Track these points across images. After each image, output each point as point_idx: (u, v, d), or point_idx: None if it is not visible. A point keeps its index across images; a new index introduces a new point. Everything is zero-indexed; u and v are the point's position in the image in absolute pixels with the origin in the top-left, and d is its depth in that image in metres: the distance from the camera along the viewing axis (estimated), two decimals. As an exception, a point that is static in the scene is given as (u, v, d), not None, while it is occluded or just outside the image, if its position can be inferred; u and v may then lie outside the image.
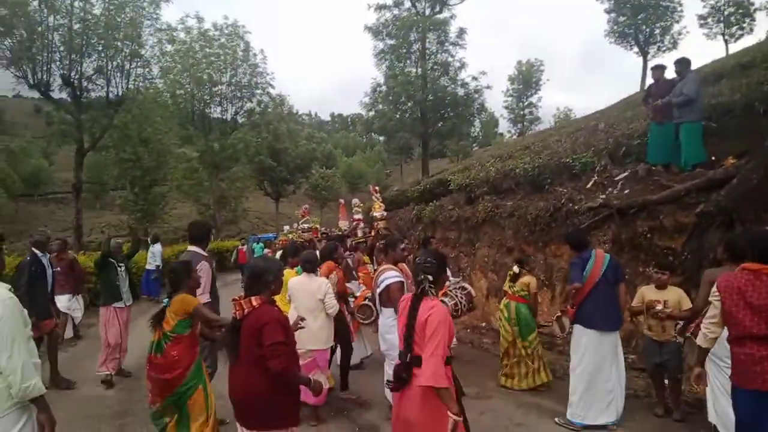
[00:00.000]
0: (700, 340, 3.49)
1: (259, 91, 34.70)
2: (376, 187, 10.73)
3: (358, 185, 47.29)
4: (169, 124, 28.87)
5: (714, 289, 3.24)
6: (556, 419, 5.01)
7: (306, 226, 12.39)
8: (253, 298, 2.99)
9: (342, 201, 12.68)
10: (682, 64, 8.01)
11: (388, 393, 5.13)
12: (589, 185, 8.77)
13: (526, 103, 55.16)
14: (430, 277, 2.92)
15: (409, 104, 27.77)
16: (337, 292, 5.61)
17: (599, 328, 4.85)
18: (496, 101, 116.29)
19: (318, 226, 12.05)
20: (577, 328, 5.02)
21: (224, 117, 34.25)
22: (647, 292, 5.15)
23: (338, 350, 5.98)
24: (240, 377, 2.95)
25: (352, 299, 6.22)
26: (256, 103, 35.36)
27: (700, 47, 64.24)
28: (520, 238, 9.40)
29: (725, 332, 4.29)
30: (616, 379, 4.86)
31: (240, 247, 20.17)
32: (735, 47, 29.92)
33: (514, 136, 51.97)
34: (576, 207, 8.24)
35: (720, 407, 4.34)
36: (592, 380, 4.81)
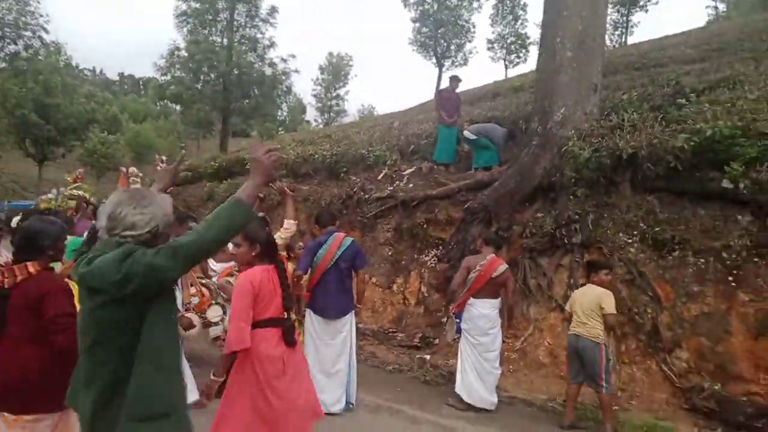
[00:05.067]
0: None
1: (28, 34, 29.11)
2: (163, 158, 9.74)
3: (146, 156, 42.64)
4: None
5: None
6: None
7: (76, 192, 10.69)
8: (28, 263, 2.56)
9: (123, 169, 11.22)
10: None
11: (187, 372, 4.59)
12: (380, 177, 9.30)
13: (333, 95, 56.55)
14: None
15: (212, 75, 26.09)
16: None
17: (324, 316, 4.78)
18: (305, 88, 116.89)
19: (87, 194, 10.46)
20: (308, 313, 4.89)
21: (-23, 58, 27.97)
22: None
23: None
24: (5, 355, 2.51)
25: None
26: (23, 48, 29.55)
27: (486, 67, 73.45)
28: (313, 222, 9.51)
29: (478, 312, 4.94)
30: (345, 367, 4.81)
31: None
32: (512, 72, 35.07)
33: (320, 125, 52.85)
34: (366, 196, 8.66)
35: (467, 379, 4.97)
36: (323, 368, 4.69)
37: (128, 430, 1.74)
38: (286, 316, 3.15)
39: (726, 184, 5.50)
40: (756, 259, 5.08)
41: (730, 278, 5.12)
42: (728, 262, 5.16)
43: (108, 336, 1.76)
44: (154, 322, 1.80)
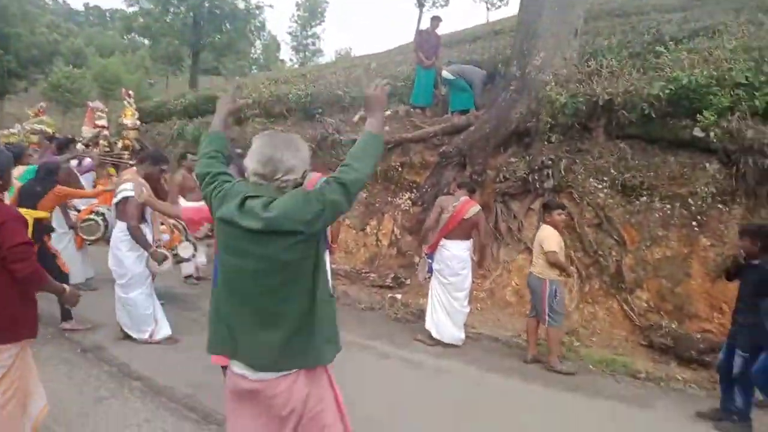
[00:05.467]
0: None
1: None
2: (130, 92, 9.40)
3: (113, 91, 40.78)
4: None
5: None
6: None
7: (38, 127, 10.25)
8: None
9: (91, 105, 10.85)
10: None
11: (119, 314, 4.67)
12: (355, 119, 9.12)
13: (309, 33, 54.61)
14: None
15: (182, 8, 24.79)
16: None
17: None
18: (281, 26, 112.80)
19: (50, 130, 10.04)
20: None
21: None
22: None
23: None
24: None
25: (75, 213, 5.35)
26: (-24, -30, 27.42)
27: (467, 11, 71.59)
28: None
29: (450, 253, 5.03)
30: None
31: None
32: (494, 15, 34.28)
33: (296, 65, 51.19)
34: (341, 138, 8.51)
35: (437, 316, 5.12)
36: None
37: (323, 351, 1.96)
38: None
39: (697, 132, 5.57)
40: (720, 206, 5.25)
41: (694, 224, 5.29)
42: (693, 208, 5.32)
43: (298, 274, 1.85)
44: (322, 256, 1.95)
